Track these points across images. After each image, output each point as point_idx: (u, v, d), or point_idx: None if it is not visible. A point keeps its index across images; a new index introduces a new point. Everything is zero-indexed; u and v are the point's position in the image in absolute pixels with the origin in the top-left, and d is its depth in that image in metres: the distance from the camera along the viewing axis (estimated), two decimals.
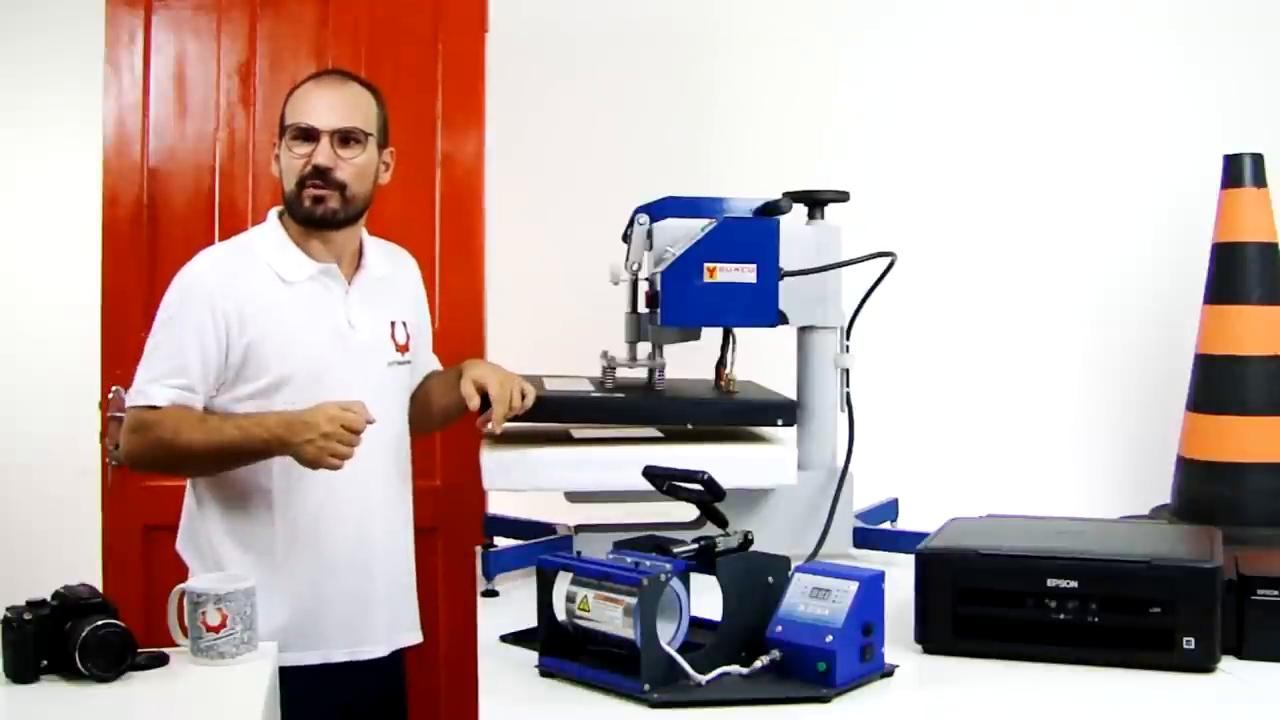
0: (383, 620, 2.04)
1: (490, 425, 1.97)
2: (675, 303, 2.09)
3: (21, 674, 1.50)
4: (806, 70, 3.22)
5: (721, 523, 1.64)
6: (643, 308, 2.20)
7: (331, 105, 1.97)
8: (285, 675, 1.74)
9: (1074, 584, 1.55)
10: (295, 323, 1.95)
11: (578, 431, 2.15)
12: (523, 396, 1.99)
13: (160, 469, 2.02)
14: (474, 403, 1.96)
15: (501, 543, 2.17)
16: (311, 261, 1.99)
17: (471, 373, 2.00)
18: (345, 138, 1.97)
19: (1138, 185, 3.24)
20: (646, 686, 1.39)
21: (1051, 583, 1.55)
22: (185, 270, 1.98)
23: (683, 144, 3.16)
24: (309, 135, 1.95)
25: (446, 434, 2.58)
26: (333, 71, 2.11)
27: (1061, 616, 1.55)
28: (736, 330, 2.24)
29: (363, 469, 1.99)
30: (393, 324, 2.07)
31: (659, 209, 2.17)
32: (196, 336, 1.90)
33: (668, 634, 1.42)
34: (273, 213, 2.06)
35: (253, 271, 1.96)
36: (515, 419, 2.01)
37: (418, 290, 2.20)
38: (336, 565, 1.99)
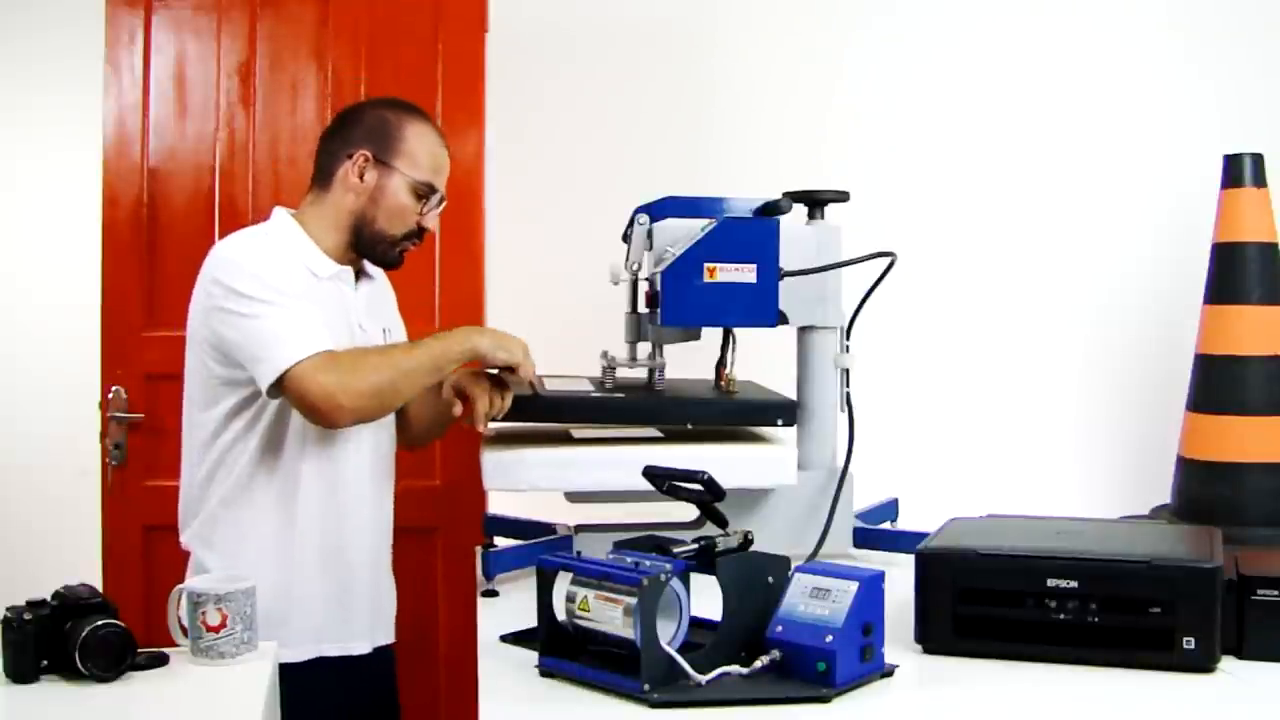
0: (367, 617, 2.05)
1: (476, 426, 1.97)
2: (675, 303, 2.09)
3: (21, 674, 1.50)
4: (806, 70, 3.23)
5: (721, 523, 1.64)
6: (643, 308, 2.20)
7: (448, 171, 2.05)
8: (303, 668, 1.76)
9: (1074, 584, 1.55)
10: (325, 318, 1.95)
11: (578, 431, 2.15)
12: (502, 396, 1.99)
13: (381, 399, 1.88)
14: (456, 409, 1.96)
15: (501, 543, 2.17)
16: (333, 262, 2.00)
17: (450, 379, 2.00)
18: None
19: (1138, 185, 3.24)
20: (646, 686, 1.39)
21: (1051, 583, 1.55)
22: (245, 256, 1.91)
23: (683, 144, 3.16)
24: (430, 194, 2.01)
25: (447, 434, 2.58)
26: (436, 124, 2.09)
27: (1061, 616, 1.55)
28: (736, 330, 2.24)
29: (376, 469, 2.04)
30: (385, 330, 2.10)
31: (659, 209, 2.17)
32: (302, 300, 1.88)
33: (668, 634, 1.42)
34: (282, 211, 2.04)
35: (288, 260, 1.94)
36: (513, 419, 2.01)
37: (394, 299, 2.22)
38: (339, 562, 2.00)
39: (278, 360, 1.81)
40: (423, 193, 1.99)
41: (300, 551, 1.96)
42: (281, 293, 1.85)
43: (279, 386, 1.82)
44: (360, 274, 2.07)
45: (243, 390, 1.91)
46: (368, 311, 2.05)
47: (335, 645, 2.00)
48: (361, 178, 1.98)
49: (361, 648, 2.03)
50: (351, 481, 1.99)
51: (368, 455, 2.02)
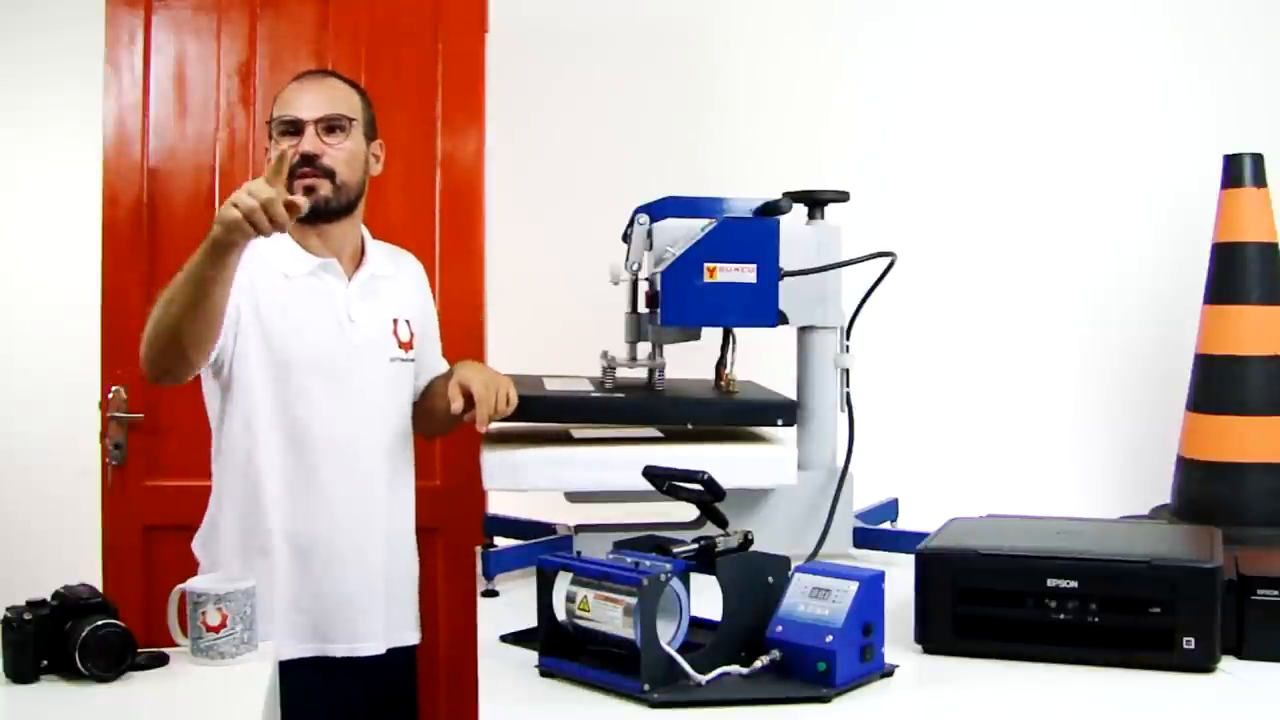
0: (381, 618, 2.05)
1: (476, 425, 1.97)
2: (675, 303, 2.09)
3: (21, 674, 1.50)
4: (806, 70, 3.23)
5: (721, 523, 1.64)
6: (643, 308, 2.20)
7: (313, 96, 2.01)
8: (287, 668, 1.77)
9: (1074, 584, 1.55)
10: (297, 314, 1.98)
11: (578, 431, 2.15)
12: (508, 400, 1.98)
13: (164, 343, 1.79)
14: (457, 405, 1.94)
15: (501, 543, 2.17)
16: (311, 256, 2.01)
17: (458, 374, 2.00)
18: (330, 126, 2.00)
19: (1138, 185, 3.24)
20: (646, 686, 1.39)
21: (1051, 583, 1.55)
22: None
23: (683, 144, 3.16)
24: (295, 128, 1.98)
25: (448, 433, 2.58)
26: (314, 70, 2.16)
27: (1061, 616, 1.55)
28: (736, 330, 2.24)
29: (363, 467, 2.01)
30: (395, 321, 2.09)
31: (659, 209, 2.17)
32: None
33: (668, 634, 1.42)
34: None
35: (256, 265, 1.96)
36: (513, 419, 2.01)
37: (423, 292, 2.21)
38: (338, 562, 2.00)
39: None
40: (281, 130, 2.00)
41: (269, 550, 1.97)
42: None
43: None
44: (361, 264, 2.07)
45: (216, 396, 2.00)
46: (364, 302, 2.05)
47: (310, 646, 2.00)
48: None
49: (337, 650, 2.03)
50: (326, 482, 1.99)
51: (348, 451, 2.01)
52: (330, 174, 1.99)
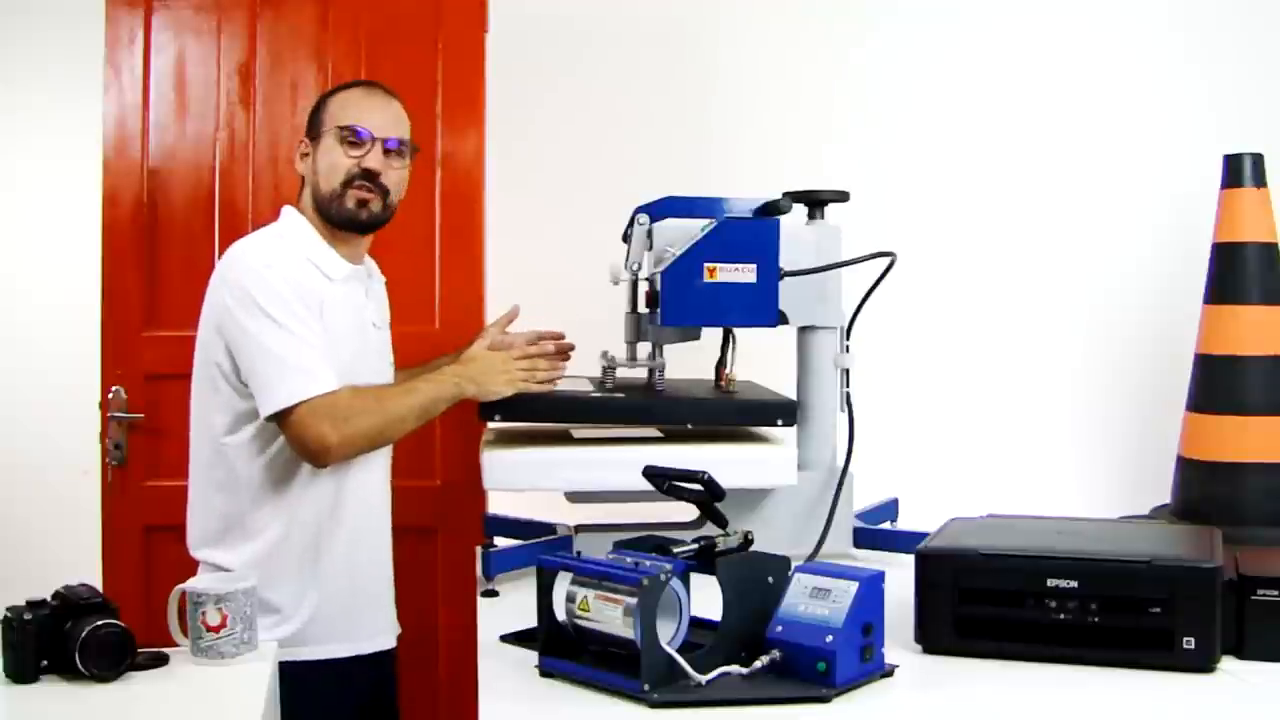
0: (385, 612, 2.08)
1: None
2: (675, 303, 2.09)
3: (21, 674, 1.51)
4: (807, 70, 3.23)
5: (721, 523, 1.64)
6: (643, 308, 2.20)
7: (384, 115, 2.03)
8: (299, 670, 1.79)
9: (1074, 584, 1.55)
10: (343, 320, 1.98)
11: (578, 431, 2.15)
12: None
13: (371, 445, 1.96)
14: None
15: (501, 543, 2.17)
16: (344, 262, 2.01)
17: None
18: (393, 149, 2.02)
19: (1138, 185, 3.24)
20: (646, 686, 1.39)
21: (1051, 583, 1.55)
22: (263, 264, 1.92)
23: (683, 144, 3.16)
24: (360, 140, 1.99)
25: (446, 434, 2.58)
26: (376, 84, 2.12)
27: (1061, 616, 1.55)
28: (736, 330, 2.24)
29: (387, 467, 2.06)
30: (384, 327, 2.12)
31: (659, 209, 2.17)
32: (315, 323, 1.90)
33: (668, 634, 1.42)
34: (290, 210, 2.05)
35: (303, 267, 1.96)
36: (513, 419, 2.01)
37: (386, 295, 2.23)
38: (369, 561, 2.02)
39: (279, 395, 1.85)
40: (346, 138, 1.99)
41: (321, 553, 1.96)
42: (296, 316, 1.87)
43: (277, 418, 1.86)
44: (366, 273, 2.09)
45: (236, 407, 1.94)
46: (375, 309, 2.08)
47: (343, 646, 2.00)
48: (304, 161, 2.04)
49: (364, 647, 2.04)
50: (362, 485, 2.00)
51: (383, 457, 2.04)
52: (385, 192, 2.02)
